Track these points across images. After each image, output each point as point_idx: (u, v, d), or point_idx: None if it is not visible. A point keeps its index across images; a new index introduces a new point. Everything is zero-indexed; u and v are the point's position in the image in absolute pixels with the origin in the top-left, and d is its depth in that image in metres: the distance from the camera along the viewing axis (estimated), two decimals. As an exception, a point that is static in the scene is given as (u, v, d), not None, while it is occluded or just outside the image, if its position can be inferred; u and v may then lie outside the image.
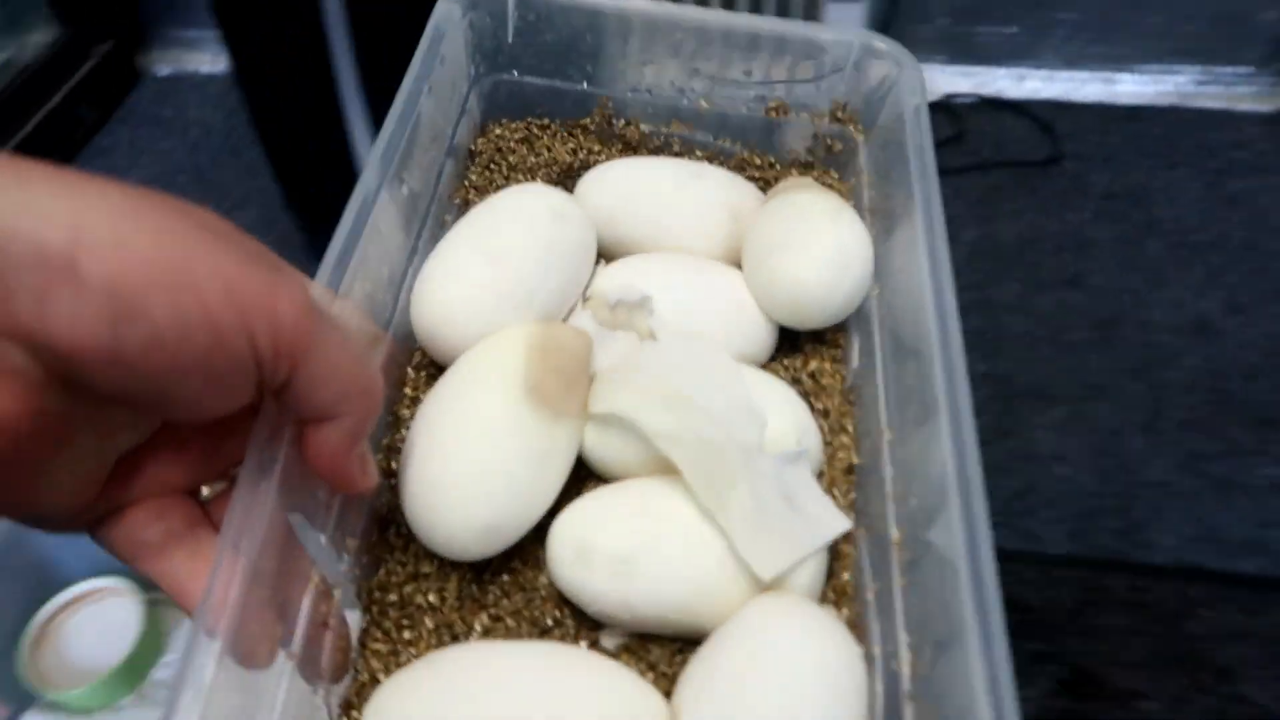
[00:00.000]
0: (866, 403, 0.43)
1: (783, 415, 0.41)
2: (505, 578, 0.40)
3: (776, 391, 0.42)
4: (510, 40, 0.50)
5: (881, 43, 0.48)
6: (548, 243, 0.43)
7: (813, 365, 0.46)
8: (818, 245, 0.43)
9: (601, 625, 0.39)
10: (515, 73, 0.51)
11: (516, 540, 0.38)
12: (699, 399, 0.39)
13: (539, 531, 0.39)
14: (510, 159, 0.52)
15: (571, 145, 0.52)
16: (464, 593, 0.39)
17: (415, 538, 0.39)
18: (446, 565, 0.39)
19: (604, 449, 0.40)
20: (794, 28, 0.49)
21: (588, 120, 0.53)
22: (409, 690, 0.33)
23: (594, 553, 0.37)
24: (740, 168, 0.52)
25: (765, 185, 0.51)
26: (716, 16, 0.48)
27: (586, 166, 0.51)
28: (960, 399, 0.35)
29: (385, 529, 0.40)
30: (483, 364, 0.39)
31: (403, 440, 0.40)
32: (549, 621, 0.39)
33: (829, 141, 0.52)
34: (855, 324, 0.46)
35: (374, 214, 0.39)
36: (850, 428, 0.44)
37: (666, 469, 0.39)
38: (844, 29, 0.48)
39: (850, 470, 0.42)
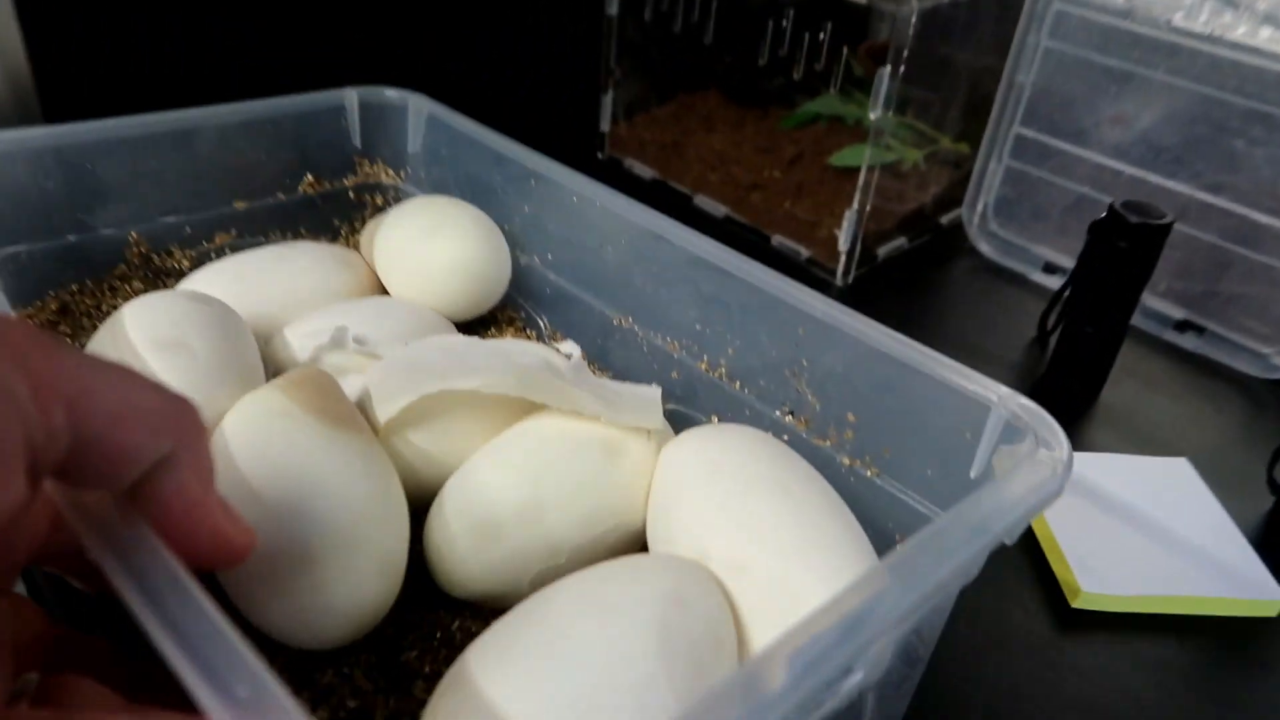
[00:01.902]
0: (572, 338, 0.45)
1: (535, 349, 0.41)
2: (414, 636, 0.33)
3: (511, 342, 0.42)
4: (-3, 209, 0.42)
5: (387, 90, 0.51)
6: (201, 331, 0.37)
7: (507, 336, 0.47)
8: (458, 228, 0.45)
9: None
10: (21, 244, 0.43)
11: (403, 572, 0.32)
12: (473, 358, 0.38)
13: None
14: (62, 328, 0.43)
15: (121, 295, 0.45)
16: (379, 674, 0.31)
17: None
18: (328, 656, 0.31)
19: (409, 454, 0.36)
20: (283, 103, 0.49)
21: (123, 267, 0.46)
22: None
23: (496, 517, 0.33)
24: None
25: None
26: (207, 114, 0.47)
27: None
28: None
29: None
30: (252, 423, 0.32)
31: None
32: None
33: (371, 198, 0.53)
34: (517, 296, 0.48)
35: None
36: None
37: (473, 444, 0.37)
38: (341, 91, 0.51)
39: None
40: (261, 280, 0.44)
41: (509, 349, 0.40)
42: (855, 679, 0.24)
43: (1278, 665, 0.38)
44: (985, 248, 0.68)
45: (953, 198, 0.71)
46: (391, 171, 0.53)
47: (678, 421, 0.40)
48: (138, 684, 0.25)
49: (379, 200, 0.54)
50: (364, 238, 0.49)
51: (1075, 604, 0.40)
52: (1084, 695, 0.36)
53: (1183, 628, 0.39)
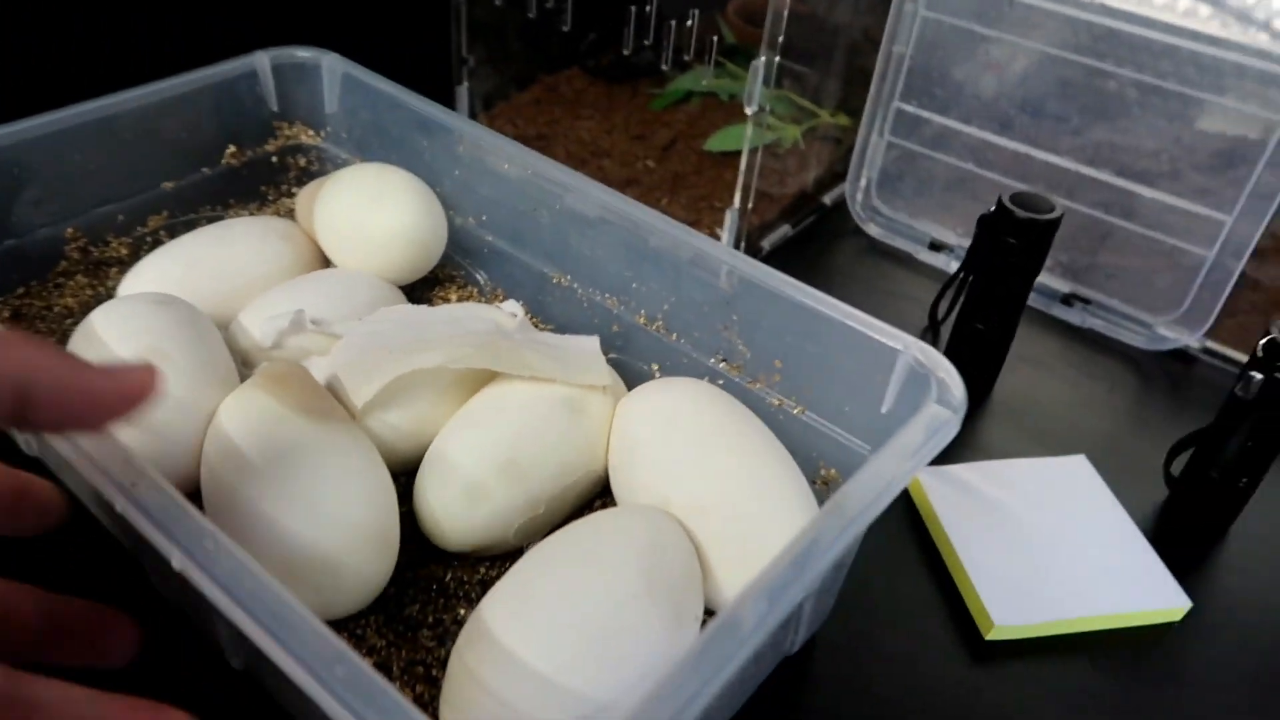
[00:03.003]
0: (511, 292, 0.49)
1: (481, 311, 0.44)
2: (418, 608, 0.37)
3: (458, 307, 0.45)
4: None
5: (299, 51, 0.52)
6: (175, 336, 0.39)
7: (453, 297, 0.50)
8: (397, 197, 0.47)
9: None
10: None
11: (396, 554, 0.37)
12: (430, 330, 0.41)
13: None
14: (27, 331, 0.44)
15: (68, 293, 0.47)
16: (387, 629, 0.36)
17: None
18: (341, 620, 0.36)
19: (386, 432, 0.40)
20: (198, 77, 0.49)
21: (65, 263, 0.47)
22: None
23: (481, 479, 0.37)
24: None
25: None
26: (124, 99, 0.47)
27: (100, 301, 0.46)
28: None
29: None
30: (246, 426, 0.35)
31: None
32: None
33: (294, 160, 0.54)
34: (455, 255, 0.51)
35: None
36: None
37: (442, 415, 0.40)
38: (252, 56, 0.51)
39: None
40: (208, 266, 0.46)
41: (459, 315, 0.44)
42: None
43: (1183, 671, 0.40)
44: (872, 229, 0.66)
45: (834, 174, 0.69)
46: (311, 132, 0.54)
47: (621, 370, 0.44)
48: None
49: (302, 162, 0.55)
50: (300, 204, 0.50)
51: (989, 637, 0.40)
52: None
53: (1093, 645, 0.40)
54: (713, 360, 0.42)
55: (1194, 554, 0.45)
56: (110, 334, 0.38)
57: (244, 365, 0.43)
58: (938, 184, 0.63)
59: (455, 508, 0.37)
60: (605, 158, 0.68)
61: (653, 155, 0.67)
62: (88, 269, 0.48)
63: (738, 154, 0.55)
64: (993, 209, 0.48)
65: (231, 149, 0.52)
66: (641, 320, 0.44)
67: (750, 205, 0.57)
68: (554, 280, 0.47)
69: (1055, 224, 0.48)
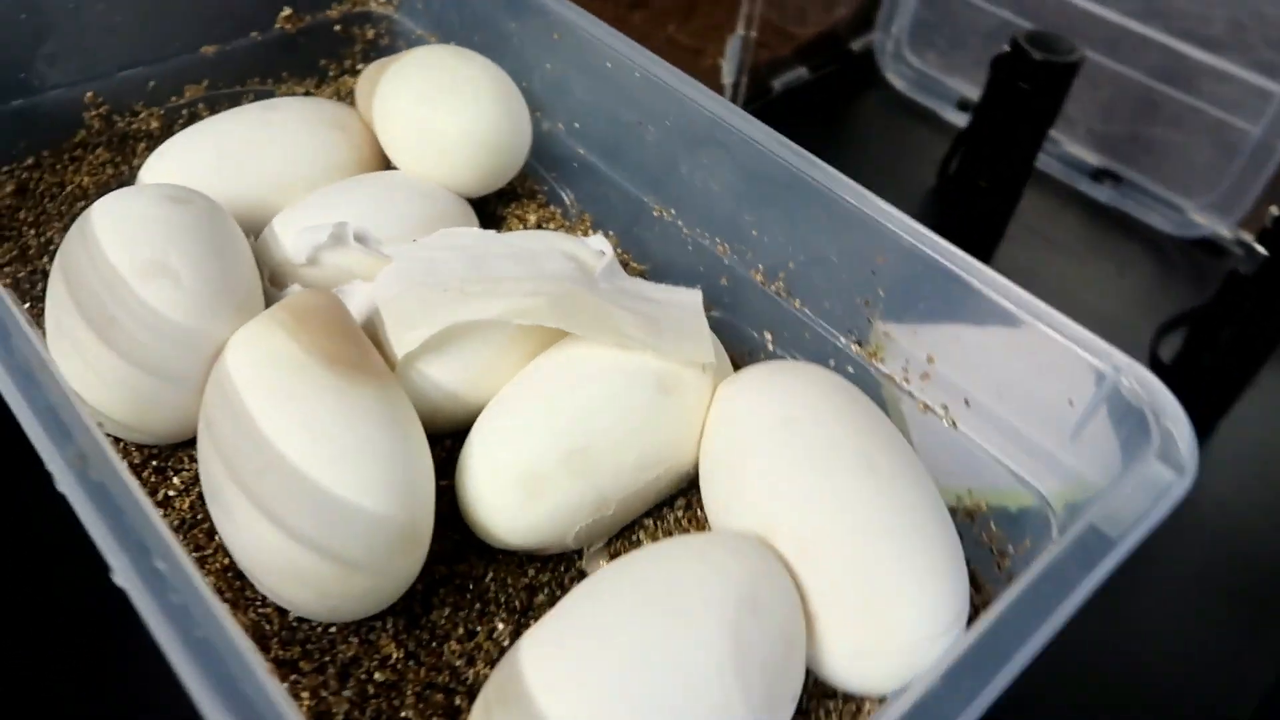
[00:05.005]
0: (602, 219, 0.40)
1: (562, 245, 0.36)
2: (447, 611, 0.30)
3: (535, 237, 0.37)
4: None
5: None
6: (184, 248, 0.32)
7: (531, 218, 0.41)
8: (473, 91, 0.38)
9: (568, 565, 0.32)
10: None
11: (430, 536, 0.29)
12: (497, 267, 0.33)
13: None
14: (23, 215, 0.37)
15: (85, 169, 0.40)
16: (406, 636, 0.29)
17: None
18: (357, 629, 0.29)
19: (429, 390, 0.32)
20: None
21: (83, 133, 0.40)
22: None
23: (541, 468, 0.29)
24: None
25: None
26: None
27: (122, 182, 0.39)
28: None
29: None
30: (259, 371, 0.28)
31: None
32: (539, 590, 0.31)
33: (361, 31, 0.46)
34: (539, 167, 0.42)
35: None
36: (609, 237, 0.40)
37: (501, 375, 0.33)
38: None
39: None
40: (246, 155, 0.38)
41: (535, 249, 0.35)
42: None
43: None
44: (897, 81, 0.58)
45: (864, 20, 0.60)
46: (390, -7, 0.46)
47: (724, 333, 0.35)
48: None
49: (370, 34, 0.46)
50: (360, 87, 0.42)
51: None
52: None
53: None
54: (843, 340, 0.34)
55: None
56: (107, 238, 0.31)
57: (272, 285, 0.35)
58: (976, 37, 0.55)
59: (507, 501, 0.30)
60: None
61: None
62: (110, 142, 0.40)
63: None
64: (1007, 48, 0.42)
65: (286, 11, 0.44)
66: (758, 277, 0.35)
67: (755, 34, 0.51)
68: (654, 212, 0.38)
69: (1073, 68, 0.41)
